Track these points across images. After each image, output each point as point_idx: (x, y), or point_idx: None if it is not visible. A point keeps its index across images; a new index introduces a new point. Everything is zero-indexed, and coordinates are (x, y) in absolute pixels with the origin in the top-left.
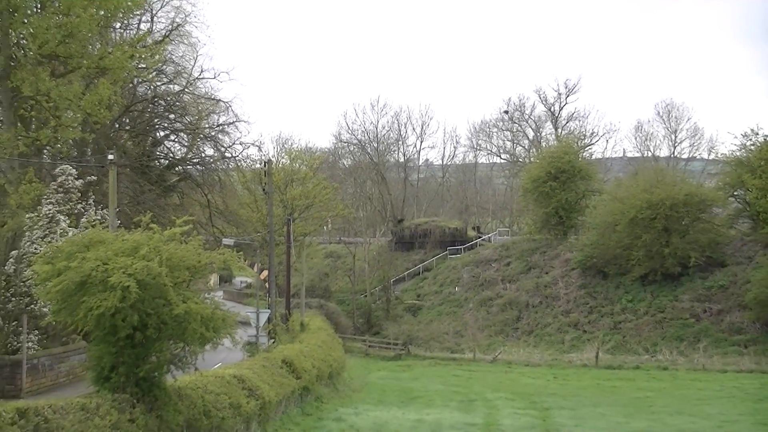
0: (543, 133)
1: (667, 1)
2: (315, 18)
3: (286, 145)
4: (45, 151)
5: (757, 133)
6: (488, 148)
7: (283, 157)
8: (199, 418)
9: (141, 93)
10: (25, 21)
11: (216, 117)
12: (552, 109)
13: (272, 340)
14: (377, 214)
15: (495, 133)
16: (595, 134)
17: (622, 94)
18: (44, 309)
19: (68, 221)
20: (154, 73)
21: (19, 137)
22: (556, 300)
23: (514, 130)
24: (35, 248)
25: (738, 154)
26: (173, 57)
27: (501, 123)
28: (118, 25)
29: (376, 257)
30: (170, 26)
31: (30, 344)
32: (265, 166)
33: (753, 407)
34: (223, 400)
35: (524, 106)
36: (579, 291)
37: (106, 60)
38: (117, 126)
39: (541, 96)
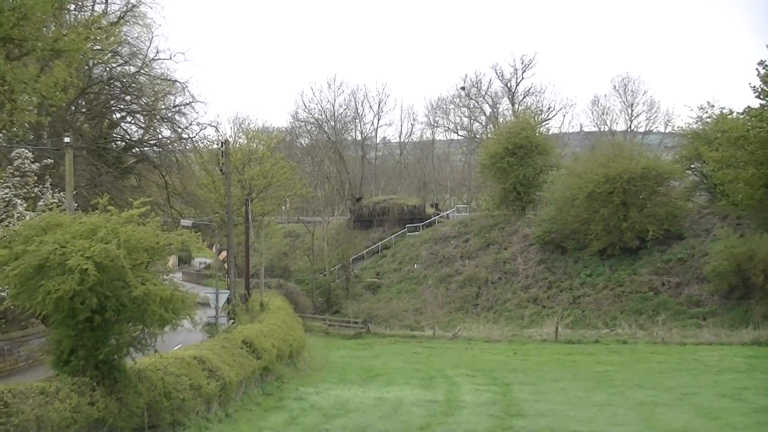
0: (500, 109)
1: None
2: None
3: (243, 125)
4: (0, 134)
5: (713, 106)
6: (445, 124)
7: (240, 137)
8: (160, 399)
9: (97, 75)
10: None
11: (172, 98)
12: (509, 85)
13: (232, 321)
14: (335, 192)
15: (452, 110)
16: (552, 109)
17: (579, 69)
18: (2, 293)
19: (25, 205)
20: (110, 54)
21: None
22: (515, 276)
23: (471, 106)
24: None
25: (695, 126)
26: (128, 38)
27: (458, 99)
28: (73, 6)
29: (335, 236)
30: (125, 7)
31: None
32: (222, 146)
33: (713, 379)
34: (183, 382)
35: (481, 82)
36: (538, 266)
37: (61, 42)
38: (73, 108)
39: (498, 72)
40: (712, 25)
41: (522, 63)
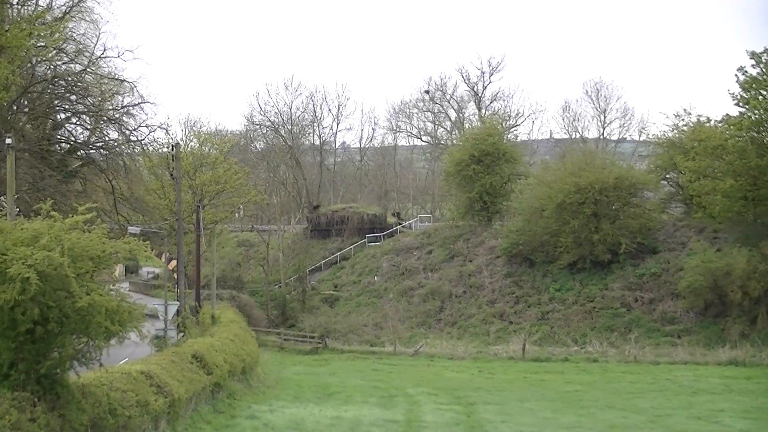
0: (466, 114)
1: None
2: None
3: (195, 128)
4: None
5: (690, 113)
6: (408, 129)
7: (191, 141)
8: (105, 416)
9: (40, 73)
10: None
11: (120, 98)
12: (475, 89)
13: (182, 334)
14: (292, 200)
15: (415, 114)
16: (520, 115)
17: (549, 73)
18: None
19: None
20: (54, 51)
21: None
22: (480, 290)
23: (436, 110)
24: None
25: (670, 135)
26: (74, 35)
27: (422, 103)
28: (15, 1)
29: (291, 246)
30: (71, 2)
31: None
32: (172, 149)
33: (687, 400)
34: (129, 398)
35: (446, 86)
36: (504, 280)
37: (3, 38)
38: (15, 108)
39: (464, 75)
40: (690, 30)
41: (489, 66)
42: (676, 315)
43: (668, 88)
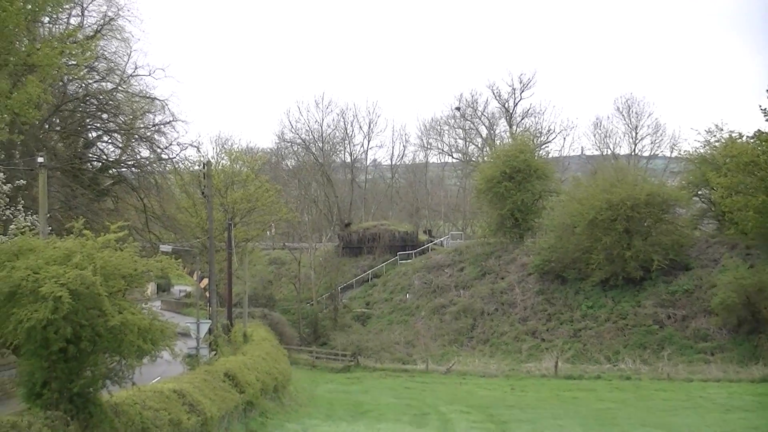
0: (497, 131)
1: None
2: (257, 11)
3: (226, 146)
4: None
5: (722, 129)
6: (439, 146)
7: (223, 158)
8: None
9: (72, 91)
10: None
11: (152, 116)
12: (506, 106)
13: (214, 352)
14: (323, 217)
15: (446, 131)
16: (551, 131)
17: (580, 89)
18: None
19: None
20: (86, 70)
21: None
22: (512, 307)
23: (467, 127)
24: None
25: (702, 151)
26: (105, 53)
27: (452, 120)
28: (47, 19)
29: (323, 263)
30: (102, 20)
31: None
32: (204, 167)
33: (721, 418)
34: (162, 417)
35: (477, 103)
36: (536, 297)
37: (34, 57)
38: (47, 126)
39: (495, 91)
40: (722, 45)
41: (520, 82)
42: (709, 332)
43: (700, 103)
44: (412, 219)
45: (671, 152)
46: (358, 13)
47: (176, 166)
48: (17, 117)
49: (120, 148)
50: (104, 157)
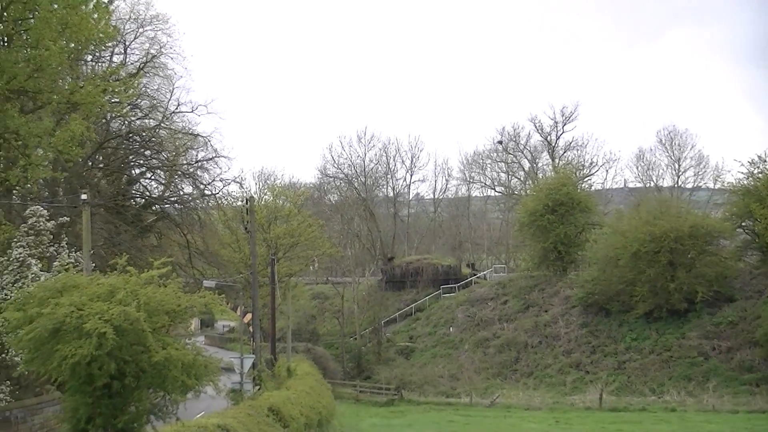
0: (539, 164)
1: (666, 26)
2: (298, 47)
3: (268, 181)
4: (14, 191)
5: (765, 160)
6: (482, 180)
7: (265, 194)
8: None
9: (115, 129)
10: None
11: (194, 153)
12: (548, 139)
13: (257, 387)
14: (366, 252)
15: (489, 165)
16: (594, 164)
17: (623, 122)
18: (16, 358)
19: (40, 265)
20: (128, 107)
21: None
22: (556, 339)
23: (509, 161)
24: (5, 294)
25: (745, 182)
26: (148, 90)
27: (495, 154)
28: (90, 57)
29: (366, 297)
30: (144, 58)
31: (1, 396)
32: (246, 203)
33: None
34: None
35: (519, 136)
36: (580, 330)
37: (78, 94)
38: (90, 164)
39: (537, 125)
40: (763, 76)
41: (562, 115)
42: (754, 363)
43: (743, 135)
44: (455, 253)
45: (714, 184)
46: (401, 47)
47: (219, 201)
48: (61, 155)
49: (163, 184)
50: (147, 193)
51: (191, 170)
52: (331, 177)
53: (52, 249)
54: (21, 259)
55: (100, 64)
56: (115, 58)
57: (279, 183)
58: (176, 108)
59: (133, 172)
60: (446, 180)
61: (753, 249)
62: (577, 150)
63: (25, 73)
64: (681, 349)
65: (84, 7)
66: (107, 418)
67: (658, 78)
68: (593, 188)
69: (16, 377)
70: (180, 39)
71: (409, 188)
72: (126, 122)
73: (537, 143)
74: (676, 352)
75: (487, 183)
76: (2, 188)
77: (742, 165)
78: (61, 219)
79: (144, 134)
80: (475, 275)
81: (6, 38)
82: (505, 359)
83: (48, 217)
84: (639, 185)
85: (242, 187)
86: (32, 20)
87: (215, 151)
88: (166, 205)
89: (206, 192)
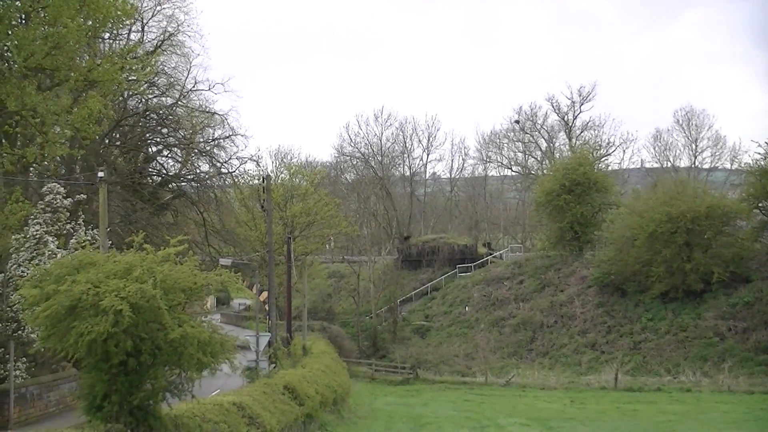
0: (556, 144)
1: (683, 7)
2: (315, 26)
3: (285, 160)
4: (32, 169)
5: None
6: (499, 160)
7: (282, 172)
8: None
9: (132, 106)
10: (9, 32)
11: (211, 131)
12: (565, 119)
13: (273, 365)
14: (382, 231)
15: (506, 144)
16: (611, 144)
17: (640, 101)
18: (32, 335)
19: (57, 242)
20: (146, 85)
21: (4, 155)
22: (572, 319)
23: (526, 140)
24: (22, 271)
25: (762, 163)
26: (165, 68)
27: (512, 133)
28: (107, 35)
29: (382, 276)
30: (162, 36)
31: (18, 372)
32: (263, 181)
33: None
34: (222, 429)
35: (536, 116)
36: (596, 310)
37: (95, 72)
38: (107, 141)
39: (554, 104)
40: None
41: (580, 95)
42: None
43: (760, 115)
44: (471, 232)
45: (731, 164)
46: (419, 26)
47: (236, 180)
48: (78, 132)
49: (180, 162)
50: (164, 171)
51: (208, 148)
52: (347, 156)
53: (69, 226)
54: (38, 236)
55: (117, 42)
56: (132, 36)
57: (296, 161)
58: (193, 86)
59: (149, 149)
60: (463, 159)
61: None
62: (594, 130)
63: (42, 50)
64: (697, 330)
65: None
66: (123, 395)
67: (675, 58)
68: (610, 168)
69: (32, 354)
70: (197, 17)
71: (425, 167)
72: (143, 100)
73: (554, 123)
74: (692, 332)
75: (504, 162)
76: (20, 165)
77: (759, 146)
78: (78, 196)
79: (161, 112)
80: (491, 255)
81: (24, 16)
82: (521, 339)
83: (65, 195)
84: (656, 165)
85: (259, 165)
86: None
87: (232, 129)
88: (183, 183)
89: (223, 170)
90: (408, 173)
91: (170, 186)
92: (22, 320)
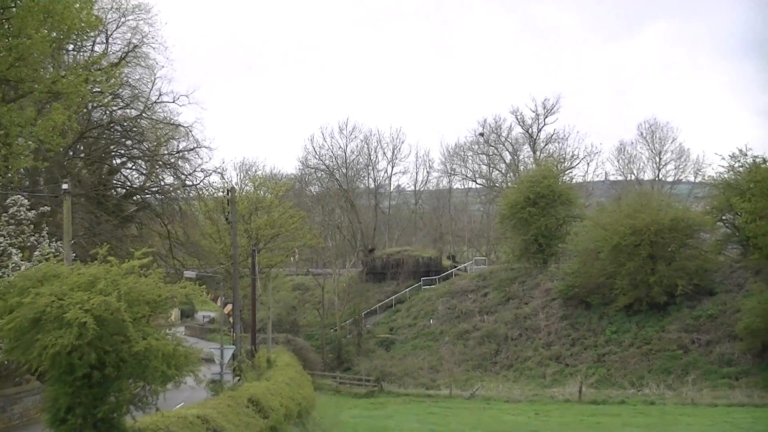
0: (521, 157)
1: (647, 20)
2: (280, 38)
3: (249, 172)
4: None
5: (746, 154)
6: (463, 172)
7: (246, 185)
8: None
9: (96, 118)
10: None
11: (176, 143)
12: (530, 131)
13: (238, 378)
14: (347, 243)
15: (470, 157)
16: (575, 157)
17: (604, 114)
18: None
19: (20, 255)
20: (110, 97)
21: None
22: (536, 332)
23: (490, 153)
24: None
25: (726, 176)
26: (130, 80)
27: (476, 146)
28: (72, 47)
29: (347, 289)
30: (126, 48)
31: None
32: (227, 194)
33: None
34: None
35: (501, 128)
36: (560, 322)
37: (60, 84)
38: (71, 153)
39: (519, 117)
40: (745, 69)
41: (544, 108)
42: (734, 357)
43: (724, 128)
44: (436, 245)
45: (695, 177)
46: (384, 38)
47: (200, 192)
48: (42, 144)
49: (144, 174)
50: (128, 183)
51: (172, 160)
52: (312, 168)
53: (32, 238)
54: (1, 248)
55: (81, 54)
56: (96, 48)
57: (260, 174)
58: (158, 98)
59: (114, 161)
60: (427, 172)
61: (733, 242)
62: (559, 143)
63: (6, 62)
64: (661, 342)
65: None
66: (87, 407)
67: (639, 71)
68: (574, 181)
69: None
70: (162, 29)
71: (390, 180)
72: (107, 112)
73: (518, 135)
74: (656, 345)
75: (469, 175)
76: None
77: (723, 159)
78: (42, 208)
79: (125, 124)
80: (455, 267)
81: None
82: (485, 351)
83: (29, 207)
84: (620, 178)
85: (223, 177)
86: (14, 9)
87: (196, 141)
88: (147, 195)
89: (187, 182)
90: (373, 186)
91: (135, 198)
92: None
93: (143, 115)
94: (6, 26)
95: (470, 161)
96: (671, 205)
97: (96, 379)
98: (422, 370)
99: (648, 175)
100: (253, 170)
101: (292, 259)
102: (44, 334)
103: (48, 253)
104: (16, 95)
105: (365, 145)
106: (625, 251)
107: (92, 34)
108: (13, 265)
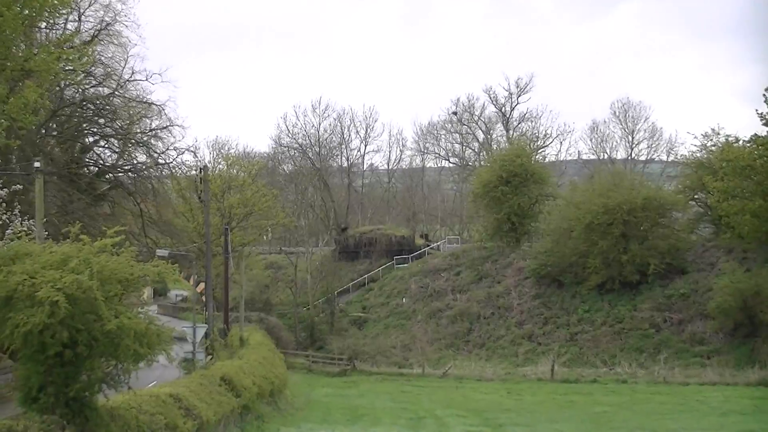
0: (494, 135)
1: None
2: (253, 16)
3: (222, 151)
4: None
5: (719, 133)
6: (436, 151)
7: (219, 163)
8: None
9: (68, 96)
10: None
11: (148, 121)
12: (503, 110)
13: (210, 357)
14: (320, 222)
15: (443, 136)
16: (548, 136)
17: (577, 93)
18: None
19: None
20: (83, 75)
21: None
22: (509, 311)
23: (463, 132)
24: None
25: (698, 155)
26: (102, 58)
27: (449, 125)
28: (44, 24)
29: (319, 268)
30: (99, 25)
31: None
32: (200, 172)
33: (717, 421)
34: (158, 421)
35: (474, 107)
36: (533, 301)
37: (32, 62)
38: (43, 132)
39: (492, 96)
40: (719, 49)
41: (517, 87)
42: (706, 336)
43: (696, 108)
44: (409, 223)
45: (668, 156)
46: (356, 16)
47: (173, 170)
48: (14, 122)
49: (117, 153)
50: (101, 162)
51: (145, 139)
52: (285, 147)
53: (4, 217)
54: None
55: (54, 32)
56: (69, 26)
57: (233, 152)
58: (130, 76)
59: (86, 140)
60: (400, 151)
61: (705, 222)
62: (532, 121)
63: None
64: (633, 321)
65: None
66: (59, 386)
67: (612, 50)
68: (547, 160)
69: None
70: (135, 6)
71: (363, 159)
72: (80, 90)
73: (491, 114)
74: (628, 324)
75: (442, 154)
76: None
77: (696, 138)
78: (13, 187)
79: (98, 102)
80: (428, 246)
81: None
82: (458, 330)
83: (1, 185)
84: (593, 157)
85: (196, 156)
86: None
87: (169, 119)
88: (120, 174)
89: (160, 161)
90: (346, 164)
91: (107, 177)
92: None
93: (116, 93)
94: None
95: (443, 140)
96: (644, 184)
97: (68, 358)
98: (395, 348)
99: (621, 154)
100: (226, 149)
101: (265, 237)
102: (16, 313)
103: (20, 232)
104: None
105: (338, 124)
106: (597, 230)
107: (64, 11)
108: None
